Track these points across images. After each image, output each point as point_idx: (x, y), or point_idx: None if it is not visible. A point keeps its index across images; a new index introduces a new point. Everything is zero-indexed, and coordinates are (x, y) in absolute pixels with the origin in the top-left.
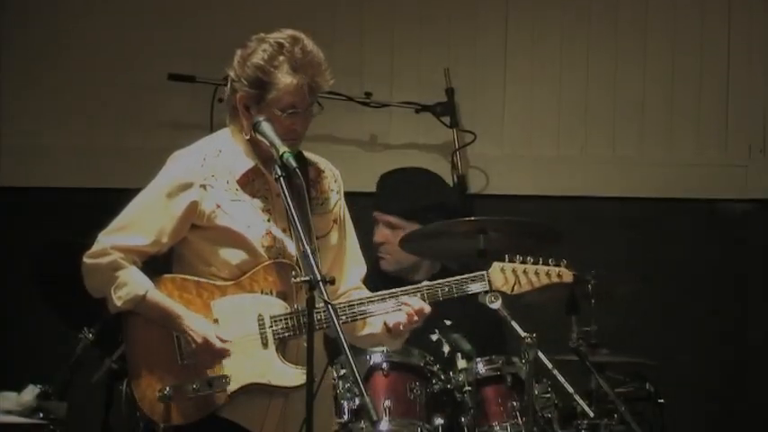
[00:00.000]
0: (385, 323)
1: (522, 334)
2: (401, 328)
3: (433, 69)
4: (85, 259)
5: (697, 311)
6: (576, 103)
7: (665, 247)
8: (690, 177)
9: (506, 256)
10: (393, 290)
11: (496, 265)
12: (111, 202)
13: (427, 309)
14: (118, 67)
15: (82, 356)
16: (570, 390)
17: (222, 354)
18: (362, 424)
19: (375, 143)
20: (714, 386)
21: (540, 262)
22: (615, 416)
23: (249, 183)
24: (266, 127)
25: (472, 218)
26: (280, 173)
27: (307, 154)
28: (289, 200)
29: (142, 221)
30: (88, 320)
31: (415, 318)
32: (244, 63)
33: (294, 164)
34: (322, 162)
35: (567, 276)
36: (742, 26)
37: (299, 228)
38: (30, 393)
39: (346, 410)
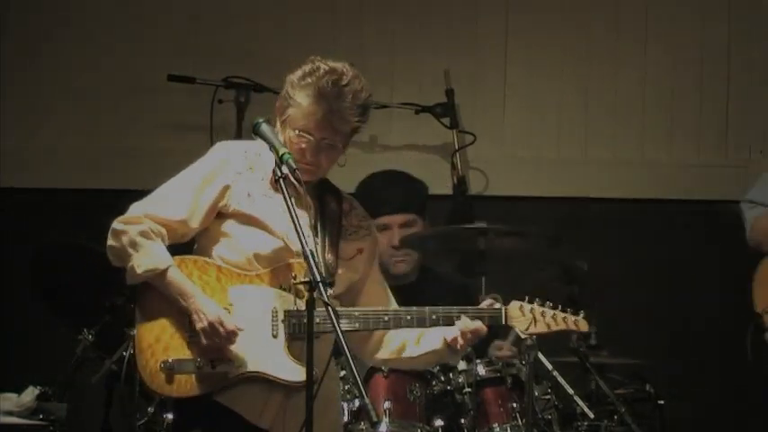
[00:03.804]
0: (444, 338)
1: (522, 335)
2: (459, 345)
3: (432, 70)
4: (116, 223)
5: (697, 312)
6: (576, 104)
7: (665, 248)
8: (690, 178)
9: (527, 297)
10: (409, 308)
11: (515, 303)
12: (111, 202)
13: (484, 330)
14: (118, 67)
15: (82, 357)
16: (570, 391)
17: (228, 339)
18: (362, 425)
19: (375, 144)
20: (714, 386)
21: (560, 308)
22: (615, 417)
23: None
24: (266, 128)
25: (474, 224)
26: (280, 174)
27: (344, 193)
28: (289, 200)
29: (177, 197)
30: (88, 321)
31: (470, 336)
32: (287, 77)
33: (294, 165)
34: (356, 203)
35: (584, 326)
36: (742, 26)
37: (300, 229)
38: (29, 394)
39: (346, 412)
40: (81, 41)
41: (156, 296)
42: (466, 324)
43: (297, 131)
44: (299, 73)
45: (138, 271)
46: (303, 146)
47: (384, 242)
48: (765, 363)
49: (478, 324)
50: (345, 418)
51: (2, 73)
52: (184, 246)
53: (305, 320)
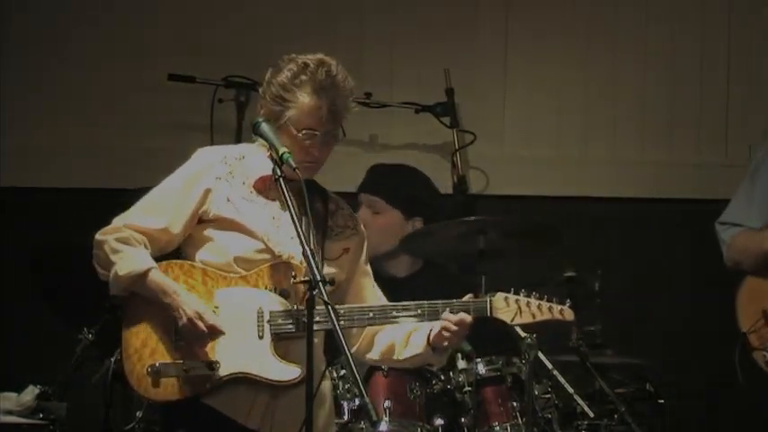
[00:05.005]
0: (428, 340)
1: (523, 334)
2: (444, 343)
3: (432, 70)
4: (97, 235)
5: (697, 312)
6: (575, 104)
7: (664, 247)
8: (690, 178)
9: (512, 289)
10: (395, 303)
11: (501, 295)
12: (110, 202)
13: (468, 319)
14: (118, 67)
15: (82, 356)
16: (570, 390)
17: (209, 334)
18: (362, 424)
19: (375, 143)
20: (714, 386)
21: (545, 298)
22: (615, 416)
23: (265, 189)
24: (265, 128)
25: (472, 218)
26: (279, 173)
27: (330, 193)
28: (289, 199)
29: (158, 206)
30: (88, 321)
31: (455, 328)
32: (270, 81)
33: (294, 164)
34: (342, 202)
35: (569, 315)
36: (742, 26)
37: (301, 229)
38: (30, 394)
39: (346, 411)
40: (81, 41)
41: (141, 302)
42: (448, 317)
43: (301, 132)
44: (286, 74)
45: (121, 273)
46: (308, 143)
47: None
48: (755, 381)
49: (461, 315)
50: (345, 417)
51: (2, 73)
52: (172, 252)
53: (290, 320)
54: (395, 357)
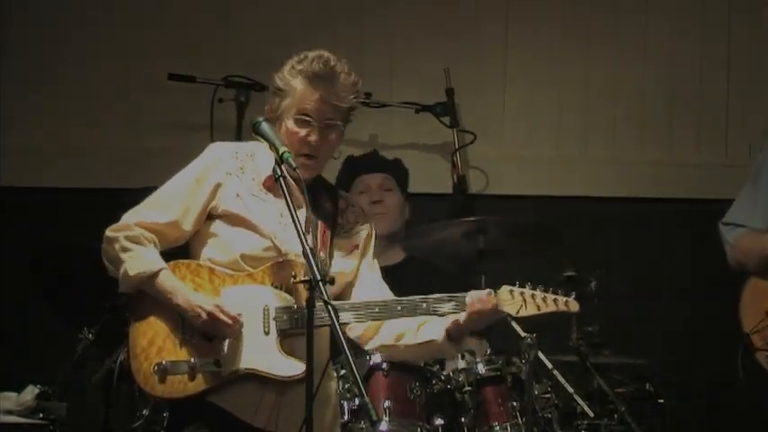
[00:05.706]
0: (446, 328)
1: (523, 334)
2: (461, 323)
3: (432, 69)
4: (108, 231)
5: (697, 312)
6: (575, 103)
7: (664, 247)
8: (690, 178)
9: (517, 282)
10: (400, 298)
11: (505, 288)
12: (110, 202)
13: (492, 302)
14: (118, 67)
15: (82, 356)
16: (570, 390)
17: (233, 325)
18: (362, 424)
19: (375, 143)
20: (714, 386)
21: (551, 290)
22: (615, 416)
23: (274, 187)
24: (266, 127)
25: (472, 218)
26: (279, 173)
27: (341, 191)
28: (289, 199)
29: (168, 201)
30: (88, 320)
31: (477, 306)
32: (274, 78)
33: (294, 163)
34: (352, 200)
35: (574, 307)
36: (742, 26)
37: (301, 228)
38: (30, 393)
39: (346, 411)
40: (81, 41)
41: (148, 300)
42: (472, 296)
43: (296, 117)
44: (286, 68)
45: (131, 273)
46: (304, 133)
47: (365, 202)
48: (756, 382)
49: (485, 293)
50: (345, 417)
51: (2, 73)
52: (180, 249)
53: (296, 317)
54: (403, 343)
